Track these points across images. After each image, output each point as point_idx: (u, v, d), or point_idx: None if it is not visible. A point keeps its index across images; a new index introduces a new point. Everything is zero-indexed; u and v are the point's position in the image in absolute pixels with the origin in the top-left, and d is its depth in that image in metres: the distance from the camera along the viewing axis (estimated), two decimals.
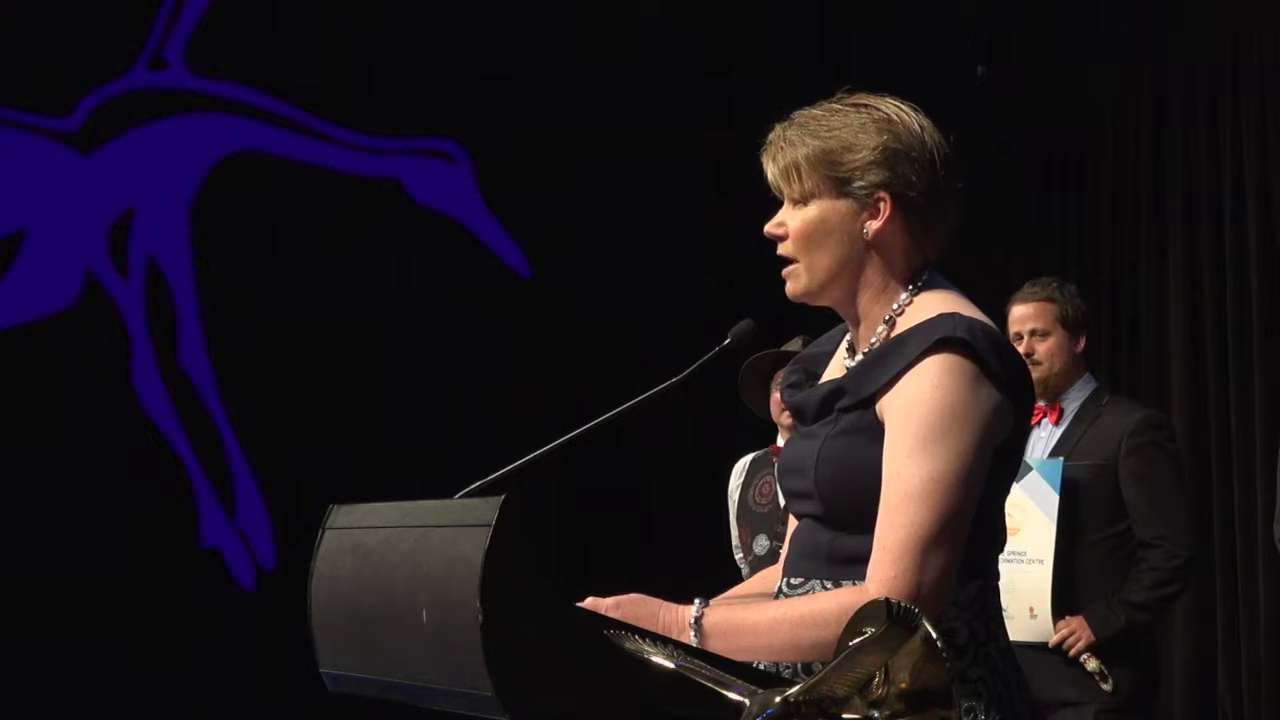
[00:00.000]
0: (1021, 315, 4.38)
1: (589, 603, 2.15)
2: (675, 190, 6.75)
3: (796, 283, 2.27)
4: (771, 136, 2.29)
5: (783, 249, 2.27)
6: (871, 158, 2.21)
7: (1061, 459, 4.25)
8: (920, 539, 2.06)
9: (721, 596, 2.38)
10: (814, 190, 2.23)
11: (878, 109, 2.26)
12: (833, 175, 2.22)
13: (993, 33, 6.82)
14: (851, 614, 1.99)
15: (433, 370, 6.62)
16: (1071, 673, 4.16)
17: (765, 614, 2.12)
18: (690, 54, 6.98)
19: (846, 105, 2.27)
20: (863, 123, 2.24)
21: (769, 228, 2.29)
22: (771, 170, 2.28)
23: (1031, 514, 4.20)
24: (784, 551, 2.41)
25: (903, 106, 2.28)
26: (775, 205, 2.32)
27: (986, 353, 2.12)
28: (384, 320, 6.63)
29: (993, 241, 6.66)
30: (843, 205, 2.23)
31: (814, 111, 2.28)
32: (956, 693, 1.58)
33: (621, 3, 6.97)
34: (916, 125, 2.26)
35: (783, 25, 7.00)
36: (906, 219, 2.24)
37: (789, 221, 2.26)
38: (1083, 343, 4.40)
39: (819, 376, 2.36)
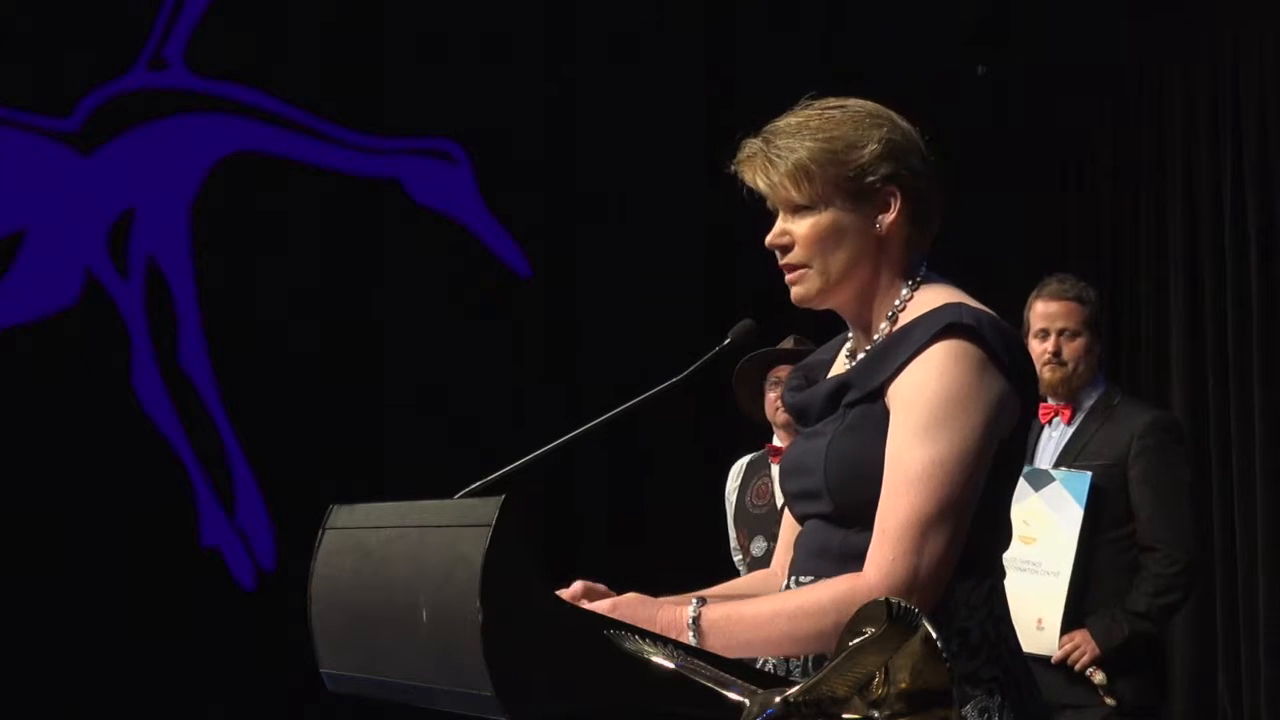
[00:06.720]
0: (1051, 312, 4.30)
1: (580, 587, 2.16)
2: (675, 190, 6.74)
3: (808, 286, 2.23)
4: (750, 149, 2.24)
5: (789, 258, 2.23)
6: (878, 150, 2.19)
7: (1089, 473, 4.17)
8: (919, 523, 2.05)
9: (714, 590, 2.37)
10: (823, 192, 2.19)
11: (857, 106, 2.24)
12: (842, 174, 2.19)
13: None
14: (847, 602, 1.99)
15: (432, 370, 6.61)
16: (1075, 681, 4.12)
17: (763, 608, 2.11)
18: (690, 53, 6.97)
19: (825, 108, 2.24)
20: (855, 119, 2.22)
21: (771, 239, 2.24)
22: (763, 180, 2.22)
23: (1051, 525, 4.13)
24: (779, 553, 2.40)
25: (869, 102, 2.26)
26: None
27: (993, 340, 2.12)
28: (384, 320, 6.63)
29: (993, 242, 6.65)
30: (854, 204, 2.20)
31: (791, 120, 2.23)
32: (957, 693, 1.58)
33: (621, 2, 6.97)
34: (895, 115, 2.25)
35: (783, 20, 7.00)
36: (913, 209, 2.22)
37: (794, 229, 2.22)
38: (1098, 345, 4.37)
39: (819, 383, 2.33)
